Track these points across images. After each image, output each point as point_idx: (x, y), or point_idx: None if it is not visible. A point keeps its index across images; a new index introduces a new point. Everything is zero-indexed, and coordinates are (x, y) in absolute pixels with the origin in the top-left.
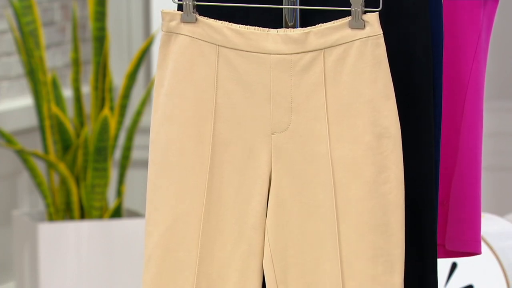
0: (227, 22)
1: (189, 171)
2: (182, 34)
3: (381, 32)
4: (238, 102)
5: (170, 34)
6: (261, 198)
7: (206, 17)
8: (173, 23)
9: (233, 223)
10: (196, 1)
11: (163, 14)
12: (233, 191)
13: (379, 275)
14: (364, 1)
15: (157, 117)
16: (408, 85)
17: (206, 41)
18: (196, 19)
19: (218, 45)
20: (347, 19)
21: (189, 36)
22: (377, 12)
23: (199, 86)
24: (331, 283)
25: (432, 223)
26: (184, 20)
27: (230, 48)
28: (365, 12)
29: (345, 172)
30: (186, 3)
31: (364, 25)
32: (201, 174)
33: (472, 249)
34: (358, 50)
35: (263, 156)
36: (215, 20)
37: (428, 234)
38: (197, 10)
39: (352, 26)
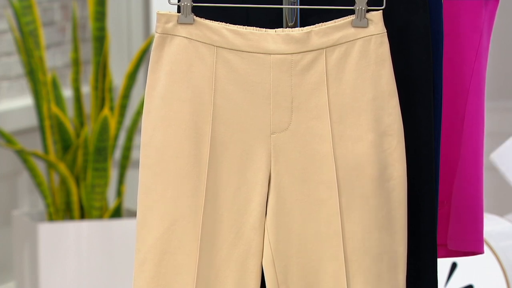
0: (225, 23)
1: (186, 174)
2: (178, 36)
3: (385, 30)
4: (236, 103)
5: (165, 36)
6: (261, 198)
7: (203, 18)
8: (169, 25)
9: (232, 224)
10: (194, 2)
11: (159, 15)
12: (232, 192)
13: (384, 273)
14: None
15: (150, 120)
16: (408, 85)
17: (204, 42)
18: (193, 20)
19: (216, 46)
20: (349, 18)
21: (186, 37)
22: (381, 11)
23: (196, 88)
24: (334, 282)
25: (432, 223)
26: (181, 22)
27: (228, 49)
28: (368, 10)
29: (349, 170)
30: (184, 4)
31: (368, 24)
32: (199, 176)
33: (474, 249)
34: (361, 48)
35: (262, 157)
36: (213, 21)
37: (428, 234)
38: (194, 12)
39: (356, 24)
